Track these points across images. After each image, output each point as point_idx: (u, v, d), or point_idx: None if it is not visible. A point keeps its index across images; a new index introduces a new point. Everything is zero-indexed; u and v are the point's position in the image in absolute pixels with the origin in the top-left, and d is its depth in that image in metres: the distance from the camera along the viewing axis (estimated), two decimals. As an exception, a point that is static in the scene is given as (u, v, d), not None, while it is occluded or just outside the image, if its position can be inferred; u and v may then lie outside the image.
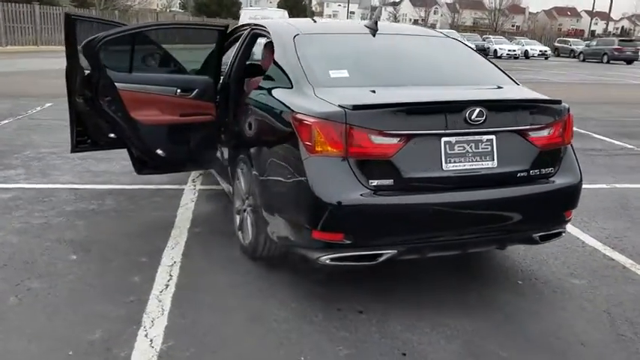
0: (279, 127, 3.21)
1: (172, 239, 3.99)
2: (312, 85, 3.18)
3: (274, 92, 3.41)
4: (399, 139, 2.87)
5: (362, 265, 3.04)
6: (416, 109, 2.96)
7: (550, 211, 3.24)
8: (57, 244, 3.87)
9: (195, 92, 4.30)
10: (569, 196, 3.27)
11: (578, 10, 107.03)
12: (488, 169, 3.04)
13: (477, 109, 2.93)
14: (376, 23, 3.91)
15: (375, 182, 2.87)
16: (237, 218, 3.90)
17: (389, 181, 2.88)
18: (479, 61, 3.91)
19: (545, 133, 3.17)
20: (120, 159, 5.80)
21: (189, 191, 5.08)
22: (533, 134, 3.14)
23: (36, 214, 4.39)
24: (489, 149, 3.04)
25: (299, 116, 3.00)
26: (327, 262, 2.97)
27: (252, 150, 3.49)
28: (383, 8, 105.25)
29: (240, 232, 3.83)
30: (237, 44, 4.47)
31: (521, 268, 3.69)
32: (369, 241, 2.94)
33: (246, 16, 20.64)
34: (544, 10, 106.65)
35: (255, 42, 4.47)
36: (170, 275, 3.44)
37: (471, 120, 2.94)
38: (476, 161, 3.02)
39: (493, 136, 3.04)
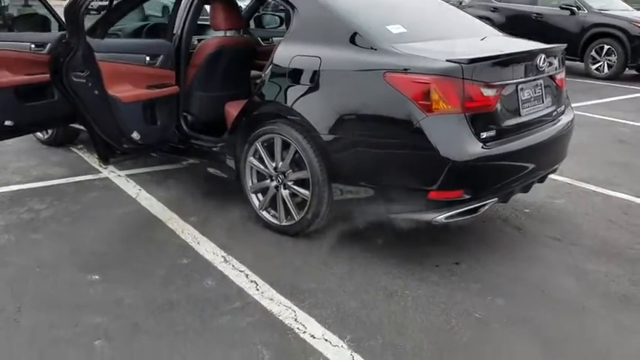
0: (365, 89, 2.96)
1: (183, 234, 3.41)
2: (387, 42, 3.01)
3: (327, 51, 3.10)
4: (496, 90, 2.95)
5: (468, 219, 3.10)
6: (510, 60, 3.06)
7: (567, 144, 3.69)
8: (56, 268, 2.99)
9: (160, 59, 3.64)
10: (573, 130, 3.76)
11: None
12: (541, 110, 3.32)
13: (543, 56, 3.18)
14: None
15: (484, 135, 2.91)
16: (255, 197, 3.52)
17: (492, 133, 2.96)
18: (462, 13, 4.11)
19: (561, 75, 3.57)
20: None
21: (119, 179, 4.28)
22: (557, 77, 3.51)
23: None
24: (541, 93, 3.32)
25: (405, 75, 2.83)
26: (443, 220, 2.94)
27: (309, 120, 3.10)
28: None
29: (266, 212, 3.47)
30: (184, 2, 3.83)
31: (514, 200, 4.10)
32: (483, 192, 3.00)
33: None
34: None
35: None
36: (240, 272, 3.00)
37: (539, 67, 3.17)
38: (535, 105, 3.27)
39: (542, 81, 3.32)
